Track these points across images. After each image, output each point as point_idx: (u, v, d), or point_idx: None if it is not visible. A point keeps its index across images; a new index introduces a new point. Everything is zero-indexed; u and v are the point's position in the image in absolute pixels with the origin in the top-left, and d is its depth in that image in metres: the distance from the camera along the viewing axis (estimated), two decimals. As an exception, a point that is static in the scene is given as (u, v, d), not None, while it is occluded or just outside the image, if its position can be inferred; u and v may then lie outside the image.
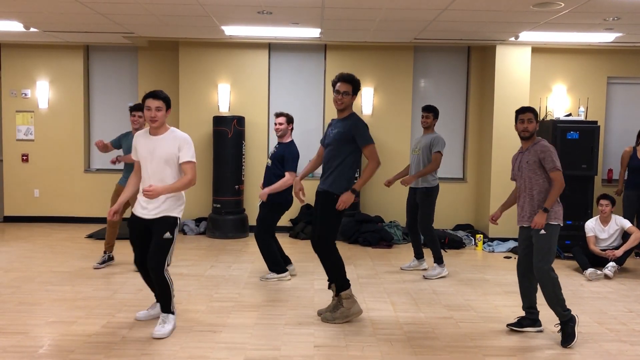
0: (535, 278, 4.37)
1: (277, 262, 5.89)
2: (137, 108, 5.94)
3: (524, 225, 4.45)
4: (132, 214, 4.30)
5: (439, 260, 6.15)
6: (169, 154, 4.16)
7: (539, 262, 4.26)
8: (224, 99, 8.56)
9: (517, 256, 4.78)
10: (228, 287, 5.63)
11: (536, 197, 4.33)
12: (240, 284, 5.74)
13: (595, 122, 7.67)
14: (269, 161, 5.87)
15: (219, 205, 8.20)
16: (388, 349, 4.11)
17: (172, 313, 4.33)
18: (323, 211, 4.58)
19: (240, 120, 8.25)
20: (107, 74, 9.11)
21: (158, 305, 4.51)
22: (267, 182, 5.81)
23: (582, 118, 8.05)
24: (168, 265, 4.25)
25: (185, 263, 6.59)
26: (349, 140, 4.52)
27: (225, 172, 8.16)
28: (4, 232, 8.22)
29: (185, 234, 8.37)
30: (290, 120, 5.89)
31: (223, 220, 8.14)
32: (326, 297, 5.32)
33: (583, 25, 6.78)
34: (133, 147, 4.32)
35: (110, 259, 6.37)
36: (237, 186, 8.15)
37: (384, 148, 8.67)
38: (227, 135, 8.11)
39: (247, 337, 4.24)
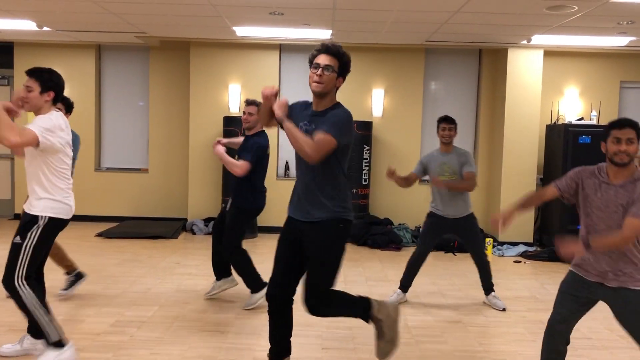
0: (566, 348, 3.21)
1: (255, 279, 4.96)
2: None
3: (605, 284, 3.02)
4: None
5: (492, 288, 5.33)
6: None
7: None
8: (234, 99, 8.58)
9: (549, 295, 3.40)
10: (236, 287, 5.62)
11: (633, 252, 2.93)
12: (248, 284, 5.74)
13: (608, 127, 7.61)
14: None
15: (228, 206, 8.21)
16: (396, 352, 4.09)
17: (53, 344, 3.47)
18: (325, 249, 3.21)
19: (250, 121, 8.25)
20: (118, 74, 9.15)
21: (26, 338, 3.75)
22: (232, 187, 4.98)
23: (594, 122, 7.99)
24: (21, 276, 3.46)
25: (194, 262, 6.60)
26: None
27: (235, 173, 8.16)
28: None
29: (194, 233, 8.39)
30: None
31: (232, 220, 8.14)
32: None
33: (596, 28, 6.73)
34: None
35: (79, 276, 5.22)
36: (246, 187, 8.15)
37: (394, 150, 8.65)
38: (237, 135, 8.11)
39: (255, 338, 4.24)
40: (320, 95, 3.14)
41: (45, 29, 7.62)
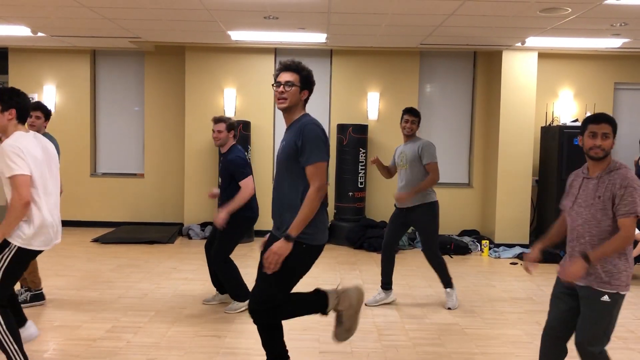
0: (564, 353, 3.16)
1: (241, 287, 4.98)
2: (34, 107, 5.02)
3: (579, 283, 3.01)
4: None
5: (450, 284, 5.27)
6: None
7: (590, 343, 2.95)
8: (230, 103, 8.58)
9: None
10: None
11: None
12: (245, 288, 5.73)
13: (602, 128, 7.64)
14: (219, 180, 4.98)
15: (224, 210, 8.20)
16: (393, 355, 4.09)
17: None
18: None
19: (246, 125, 8.26)
20: (113, 79, 9.14)
21: None
22: (224, 204, 4.87)
23: (589, 124, 8.01)
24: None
25: (191, 267, 6.59)
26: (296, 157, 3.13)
27: (231, 177, 8.16)
28: (10, 236, 8.24)
29: (190, 238, 8.38)
30: (231, 126, 4.91)
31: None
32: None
33: (590, 30, 6.76)
34: None
35: (38, 297, 5.06)
36: (242, 191, 8.14)
37: (390, 153, 8.64)
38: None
39: (252, 343, 4.23)
40: (286, 111, 3.24)
41: (39, 34, 7.61)
